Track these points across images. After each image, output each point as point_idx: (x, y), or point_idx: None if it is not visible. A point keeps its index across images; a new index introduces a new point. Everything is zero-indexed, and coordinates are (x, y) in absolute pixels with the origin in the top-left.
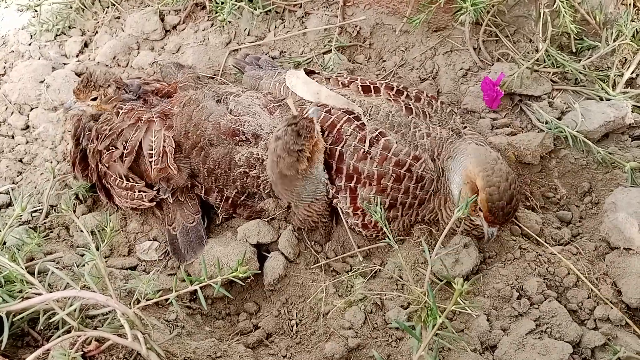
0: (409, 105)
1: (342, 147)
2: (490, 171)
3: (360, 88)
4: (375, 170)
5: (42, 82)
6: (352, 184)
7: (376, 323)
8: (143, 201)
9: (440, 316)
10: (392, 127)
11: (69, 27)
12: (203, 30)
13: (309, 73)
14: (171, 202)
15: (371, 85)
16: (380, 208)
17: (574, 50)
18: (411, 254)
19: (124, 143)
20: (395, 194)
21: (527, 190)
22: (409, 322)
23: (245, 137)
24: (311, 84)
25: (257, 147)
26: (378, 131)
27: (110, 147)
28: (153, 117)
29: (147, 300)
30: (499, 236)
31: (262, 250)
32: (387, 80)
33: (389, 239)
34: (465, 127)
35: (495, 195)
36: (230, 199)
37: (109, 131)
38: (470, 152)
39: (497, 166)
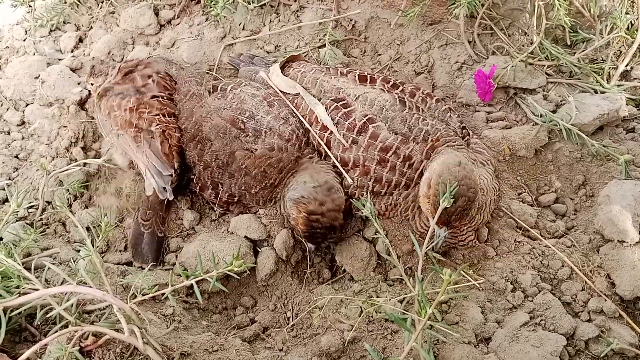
0: (404, 99)
1: (330, 134)
2: (447, 172)
3: (357, 77)
4: (361, 155)
5: (37, 77)
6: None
7: (372, 316)
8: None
9: (429, 306)
10: (386, 120)
11: (64, 22)
12: (198, 25)
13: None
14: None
15: (368, 76)
16: (371, 203)
17: (569, 43)
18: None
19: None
20: (380, 173)
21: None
22: (404, 315)
23: (245, 127)
24: (287, 80)
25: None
26: (367, 117)
27: None
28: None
29: (143, 295)
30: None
31: (256, 246)
32: (384, 75)
33: (380, 233)
34: (464, 127)
35: (443, 190)
36: (224, 199)
37: None
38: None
39: (456, 172)
